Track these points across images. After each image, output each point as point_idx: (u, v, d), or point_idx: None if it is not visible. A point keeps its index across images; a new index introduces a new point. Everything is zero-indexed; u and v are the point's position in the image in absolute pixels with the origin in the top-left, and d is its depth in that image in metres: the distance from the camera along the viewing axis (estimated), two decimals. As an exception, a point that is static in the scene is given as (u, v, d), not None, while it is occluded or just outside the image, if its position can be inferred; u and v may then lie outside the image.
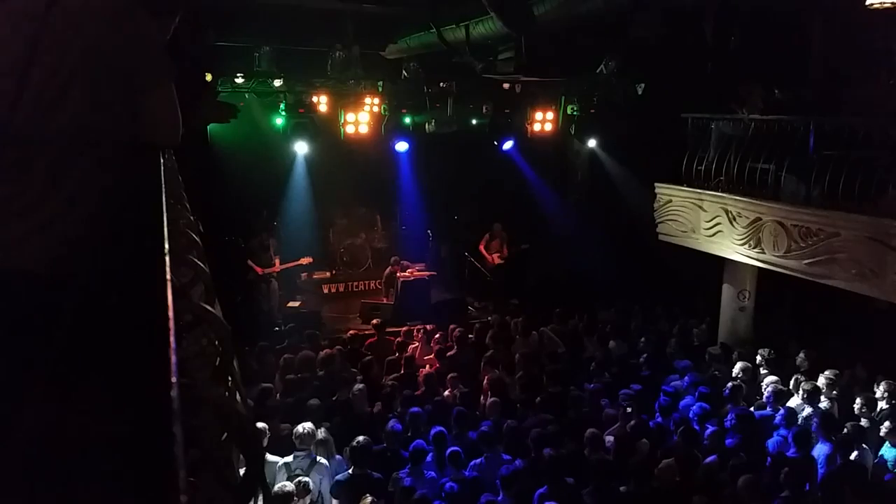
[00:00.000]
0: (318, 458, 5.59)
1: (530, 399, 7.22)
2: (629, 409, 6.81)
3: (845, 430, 6.10)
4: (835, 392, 7.08)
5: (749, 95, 9.13)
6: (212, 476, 1.11)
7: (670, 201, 10.05)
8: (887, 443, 6.07)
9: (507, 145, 12.82)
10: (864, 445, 6.13)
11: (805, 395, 6.91)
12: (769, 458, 6.03)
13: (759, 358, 8.15)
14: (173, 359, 0.96)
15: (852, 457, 5.92)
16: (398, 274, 11.82)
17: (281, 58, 10.42)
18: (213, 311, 1.67)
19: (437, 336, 9.24)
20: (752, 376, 7.80)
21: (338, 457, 5.86)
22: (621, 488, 5.40)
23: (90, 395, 1.43)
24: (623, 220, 12.12)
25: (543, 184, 13.92)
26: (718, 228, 9.12)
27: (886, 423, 6.13)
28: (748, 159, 8.74)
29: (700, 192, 9.44)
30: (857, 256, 7.07)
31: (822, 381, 7.16)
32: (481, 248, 13.10)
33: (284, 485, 4.98)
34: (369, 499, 4.93)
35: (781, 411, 6.76)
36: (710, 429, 6.38)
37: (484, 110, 12.27)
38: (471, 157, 12.81)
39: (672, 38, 9.26)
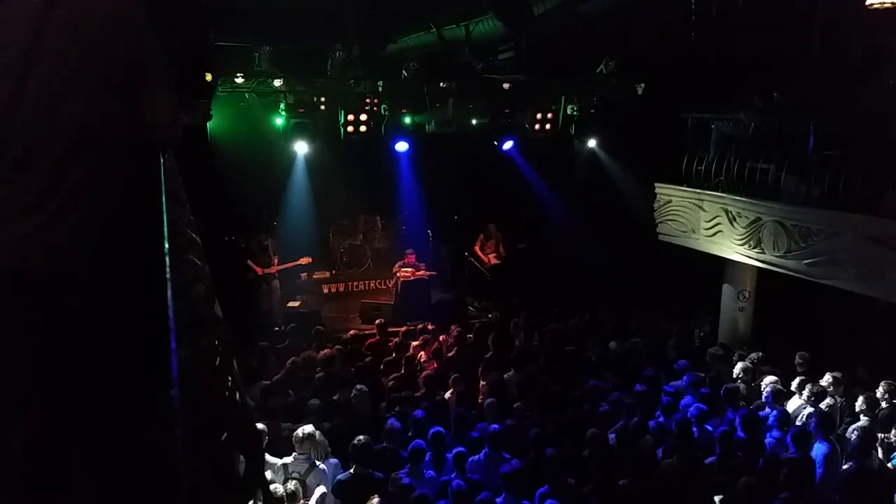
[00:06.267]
0: (317, 461, 5.53)
1: (530, 399, 7.22)
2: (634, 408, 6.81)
3: (854, 434, 5.98)
4: (836, 394, 7.06)
5: (748, 99, 9.14)
6: (212, 476, 1.11)
7: (670, 201, 10.05)
8: None
9: (507, 145, 12.80)
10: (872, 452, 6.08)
11: (807, 396, 6.90)
12: (767, 459, 6.01)
13: (757, 358, 8.15)
14: (173, 359, 0.96)
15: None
16: (398, 274, 11.83)
17: (281, 58, 10.41)
18: (213, 311, 1.67)
19: (436, 337, 9.23)
20: (752, 377, 7.80)
21: (333, 460, 5.73)
22: (621, 482, 5.40)
23: (90, 395, 1.43)
24: (623, 220, 12.11)
25: (543, 184, 13.91)
26: (718, 228, 9.12)
27: None
28: (748, 159, 8.74)
29: (700, 193, 9.44)
30: (857, 256, 7.07)
31: (823, 382, 7.14)
32: (476, 248, 13.10)
33: (277, 488, 4.89)
34: (376, 499, 4.87)
35: (776, 412, 6.76)
36: (710, 429, 6.37)
37: (483, 110, 12.25)
38: (471, 157, 12.80)
39: (672, 39, 9.27)
